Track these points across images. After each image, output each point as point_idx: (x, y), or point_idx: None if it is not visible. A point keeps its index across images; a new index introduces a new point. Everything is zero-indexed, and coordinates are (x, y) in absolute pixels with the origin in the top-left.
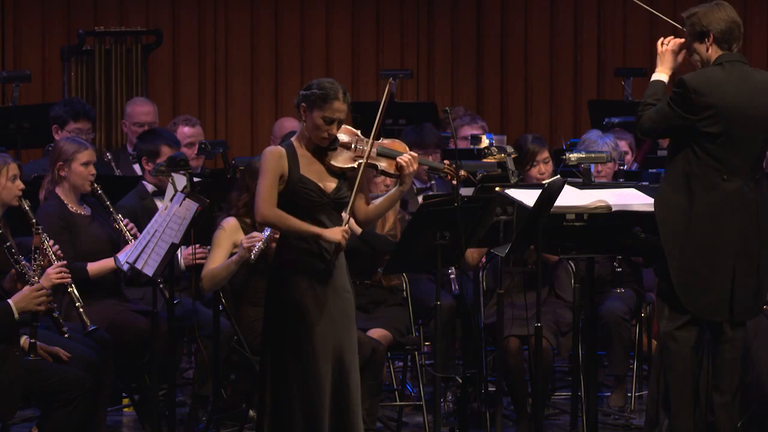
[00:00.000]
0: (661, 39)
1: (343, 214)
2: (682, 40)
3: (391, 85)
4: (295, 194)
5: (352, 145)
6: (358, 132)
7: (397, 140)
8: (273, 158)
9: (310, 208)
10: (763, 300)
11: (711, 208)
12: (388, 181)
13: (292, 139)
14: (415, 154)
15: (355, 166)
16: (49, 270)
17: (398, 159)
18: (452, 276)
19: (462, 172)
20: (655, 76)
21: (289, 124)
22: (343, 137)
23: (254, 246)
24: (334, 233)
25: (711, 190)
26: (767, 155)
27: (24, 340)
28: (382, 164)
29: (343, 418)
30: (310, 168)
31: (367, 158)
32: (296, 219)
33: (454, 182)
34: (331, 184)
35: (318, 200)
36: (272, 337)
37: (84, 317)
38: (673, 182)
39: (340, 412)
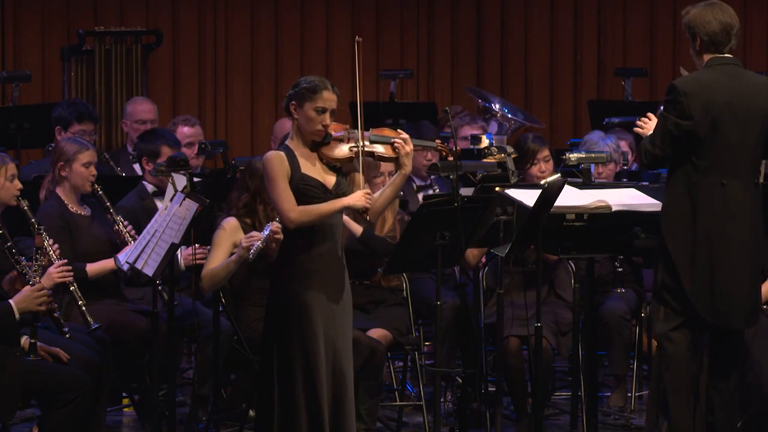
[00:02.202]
0: (641, 122)
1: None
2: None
3: (358, 44)
4: (300, 193)
5: (345, 137)
6: (347, 126)
7: (385, 127)
8: (277, 162)
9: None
10: (760, 301)
11: (715, 216)
12: (388, 179)
13: (286, 141)
14: (407, 135)
15: (353, 155)
16: (51, 269)
17: (393, 141)
18: (455, 267)
19: (457, 148)
20: None
21: (290, 123)
22: (334, 132)
23: (253, 245)
24: (357, 199)
25: (713, 198)
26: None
27: (24, 341)
28: (379, 150)
29: (340, 414)
30: (309, 166)
31: (362, 143)
32: (319, 205)
33: (450, 158)
34: (331, 179)
35: (321, 196)
36: (277, 336)
37: (87, 316)
38: (676, 194)
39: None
